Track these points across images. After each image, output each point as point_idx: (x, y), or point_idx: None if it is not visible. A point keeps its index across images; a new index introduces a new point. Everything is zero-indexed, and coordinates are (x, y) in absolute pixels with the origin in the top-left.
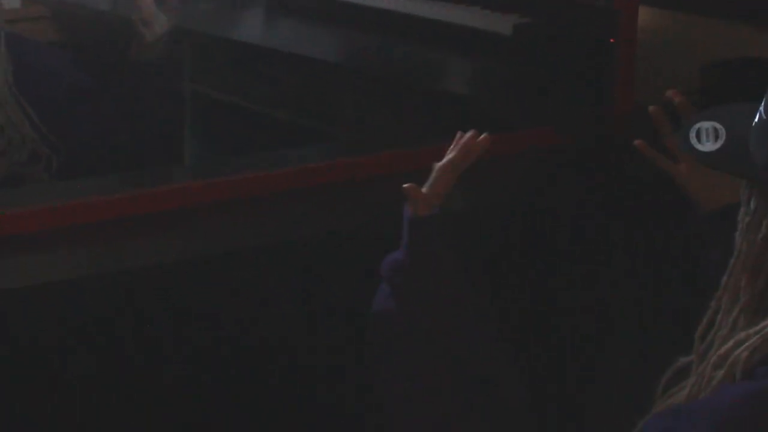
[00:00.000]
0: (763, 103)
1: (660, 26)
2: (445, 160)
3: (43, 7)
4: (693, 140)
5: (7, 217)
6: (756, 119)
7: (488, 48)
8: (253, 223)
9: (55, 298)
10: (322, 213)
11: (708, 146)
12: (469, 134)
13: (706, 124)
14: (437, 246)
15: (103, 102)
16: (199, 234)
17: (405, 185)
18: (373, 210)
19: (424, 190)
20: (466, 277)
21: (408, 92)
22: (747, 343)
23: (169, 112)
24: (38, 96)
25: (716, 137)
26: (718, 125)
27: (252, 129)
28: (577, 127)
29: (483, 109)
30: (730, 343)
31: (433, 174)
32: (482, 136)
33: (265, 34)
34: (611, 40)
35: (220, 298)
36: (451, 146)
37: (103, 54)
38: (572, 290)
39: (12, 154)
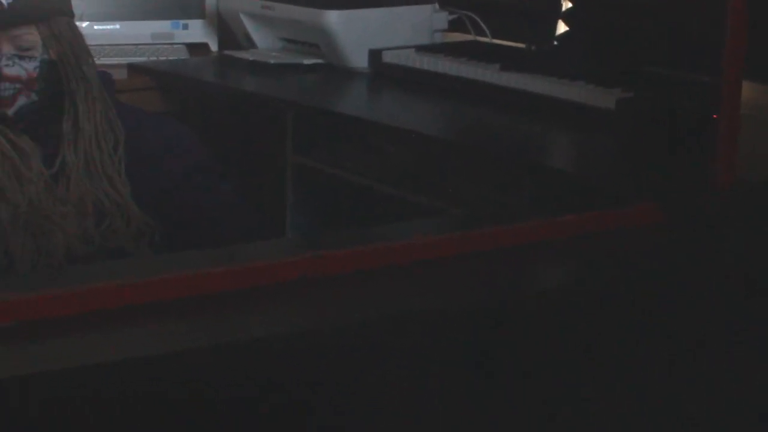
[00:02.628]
0: None
1: (764, 102)
2: None
3: (150, 78)
4: None
5: (98, 290)
6: None
7: (591, 123)
8: (352, 299)
9: (153, 372)
10: (432, 288)
11: None
12: None
13: None
14: None
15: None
16: (304, 308)
17: None
18: (476, 287)
19: None
20: None
21: (512, 166)
22: None
23: (271, 184)
24: (154, 173)
25: None
26: None
27: (354, 202)
28: (679, 203)
29: (585, 184)
30: None
31: None
32: None
33: (369, 106)
34: (714, 116)
35: (318, 374)
36: None
37: (209, 125)
38: (680, 371)
39: (115, 228)
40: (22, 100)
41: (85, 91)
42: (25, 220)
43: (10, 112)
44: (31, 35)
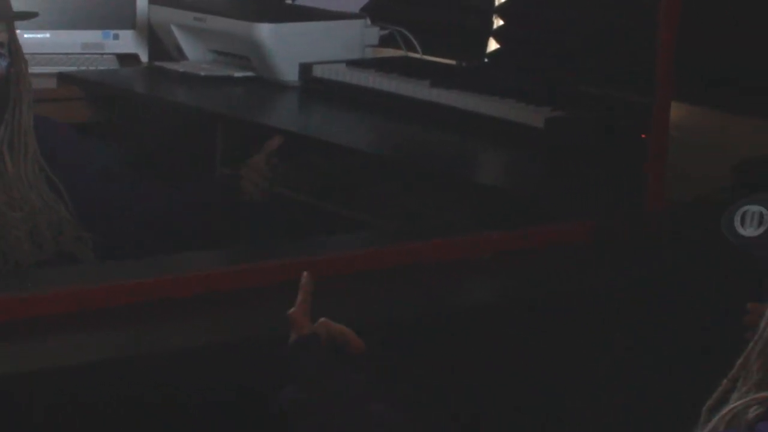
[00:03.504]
0: None
1: (692, 123)
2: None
3: (78, 89)
4: (737, 224)
5: (41, 298)
6: None
7: (521, 140)
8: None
9: (89, 380)
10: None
11: (750, 231)
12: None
13: (753, 208)
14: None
15: (134, 184)
16: (233, 319)
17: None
18: (405, 300)
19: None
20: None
21: (441, 182)
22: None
23: (199, 193)
24: (69, 180)
25: (760, 222)
26: (765, 210)
27: (281, 215)
28: (608, 222)
29: (514, 201)
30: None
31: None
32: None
33: (298, 120)
34: (642, 136)
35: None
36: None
37: (137, 136)
38: (605, 384)
39: (54, 234)
40: None
41: (28, 99)
42: None
43: None
44: (3, 33)
